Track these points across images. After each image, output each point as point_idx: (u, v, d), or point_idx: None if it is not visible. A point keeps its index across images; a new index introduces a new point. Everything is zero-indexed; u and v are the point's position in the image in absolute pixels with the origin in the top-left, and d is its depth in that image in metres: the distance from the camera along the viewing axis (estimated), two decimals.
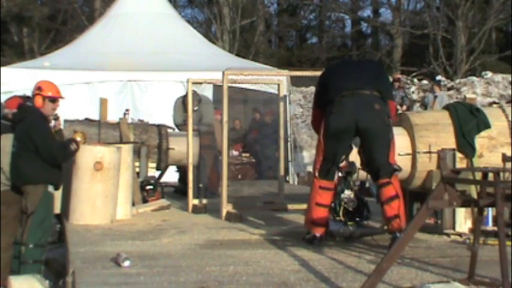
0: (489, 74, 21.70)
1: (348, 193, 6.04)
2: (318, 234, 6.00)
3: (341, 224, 6.05)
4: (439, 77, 21.36)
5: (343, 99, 5.80)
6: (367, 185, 13.15)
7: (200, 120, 10.01)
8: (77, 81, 13.10)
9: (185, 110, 9.79)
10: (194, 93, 9.09)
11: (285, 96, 12.71)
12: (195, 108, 9.24)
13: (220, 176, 8.36)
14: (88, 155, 7.25)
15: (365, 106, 5.75)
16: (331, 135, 5.85)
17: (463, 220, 6.51)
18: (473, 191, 5.00)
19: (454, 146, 6.73)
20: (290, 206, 8.22)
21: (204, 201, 8.66)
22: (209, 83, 10.02)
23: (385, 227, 5.93)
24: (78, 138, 7.02)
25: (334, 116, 5.81)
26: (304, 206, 8.04)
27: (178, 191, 10.20)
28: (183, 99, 10.20)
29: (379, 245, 5.86)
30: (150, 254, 5.58)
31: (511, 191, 4.07)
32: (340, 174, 6.07)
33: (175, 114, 10.53)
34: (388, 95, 6.09)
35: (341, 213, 6.01)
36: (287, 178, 13.14)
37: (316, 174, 5.99)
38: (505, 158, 4.74)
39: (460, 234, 6.39)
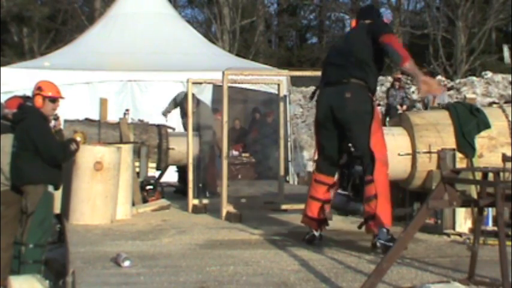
0: (489, 74, 21.71)
1: (359, 169, 5.81)
2: (316, 233, 6.01)
3: (347, 198, 5.89)
4: (438, 77, 21.38)
5: (321, 91, 5.88)
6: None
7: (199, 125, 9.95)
8: (77, 81, 13.11)
9: (181, 109, 9.92)
10: (192, 95, 9.10)
11: (285, 96, 12.73)
12: (193, 110, 9.24)
13: (219, 175, 8.36)
14: (88, 155, 7.25)
15: (335, 95, 5.68)
16: (317, 126, 5.92)
17: (463, 220, 6.50)
18: (473, 191, 5.00)
19: (454, 146, 6.73)
20: (289, 206, 8.22)
21: (204, 201, 8.66)
22: (209, 83, 10.02)
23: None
24: (78, 138, 7.03)
25: (316, 107, 5.92)
26: (303, 206, 8.08)
27: (178, 191, 10.20)
28: (175, 97, 10.40)
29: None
30: (150, 254, 5.58)
31: (511, 191, 4.07)
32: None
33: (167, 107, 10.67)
34: (381, 31, 5.62)
35: (349, 187, 5.85)
36: (287, 178, 13.14)
37: (314, 167, 6.02)
38: (505, 158, 4.72)
39: (460, 234, 6.39)
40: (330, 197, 5.94)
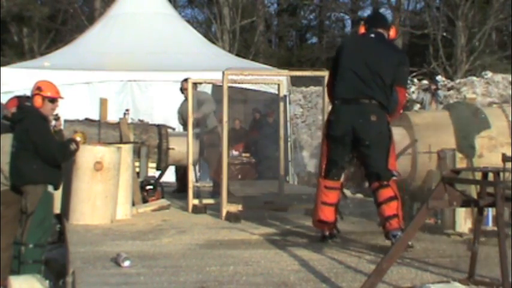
0: (489, 74, 21.70)
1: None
2: (326, 233, 6.06)
3: None
4: (438, 77, 21.38)
5: (342, 107, 5.83)
6: (366, 185, 13.15)
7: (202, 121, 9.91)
8: (77, 81, 13.11)
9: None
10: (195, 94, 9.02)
11: (285, 96, 12.73)
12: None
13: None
14: (88, 155, 7.25)
15: (361, 117, 5.73)
16: (332, 140, 5.92)
17: (463, 220, 6.50)
18: (473, 191, 4.99)
19: (454, 146, 6.73)
20: (292, 206, 8.22)
21: (205, 201, 8.66)
22: (209, 83, 10.02)
23: (381, 227, 5.89)
24: (78, 138, 7.02)
25: (332, 123, 5.89)
26: (304, 206, 8.08)
27: (176, 191, 10.20)
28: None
29: (379, 245, 5.87)
30: (150, 254, 5.58)
31: (511, 191, 4.07)
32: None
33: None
34: (404, 83, 5.98)
35: None
36: (287, 178, 13.14)
37: (322, 174, 6.01)
38: (505, 158, 4.73)
39: (460, 234, 6.39)
40: (340, 199, 6.10)
